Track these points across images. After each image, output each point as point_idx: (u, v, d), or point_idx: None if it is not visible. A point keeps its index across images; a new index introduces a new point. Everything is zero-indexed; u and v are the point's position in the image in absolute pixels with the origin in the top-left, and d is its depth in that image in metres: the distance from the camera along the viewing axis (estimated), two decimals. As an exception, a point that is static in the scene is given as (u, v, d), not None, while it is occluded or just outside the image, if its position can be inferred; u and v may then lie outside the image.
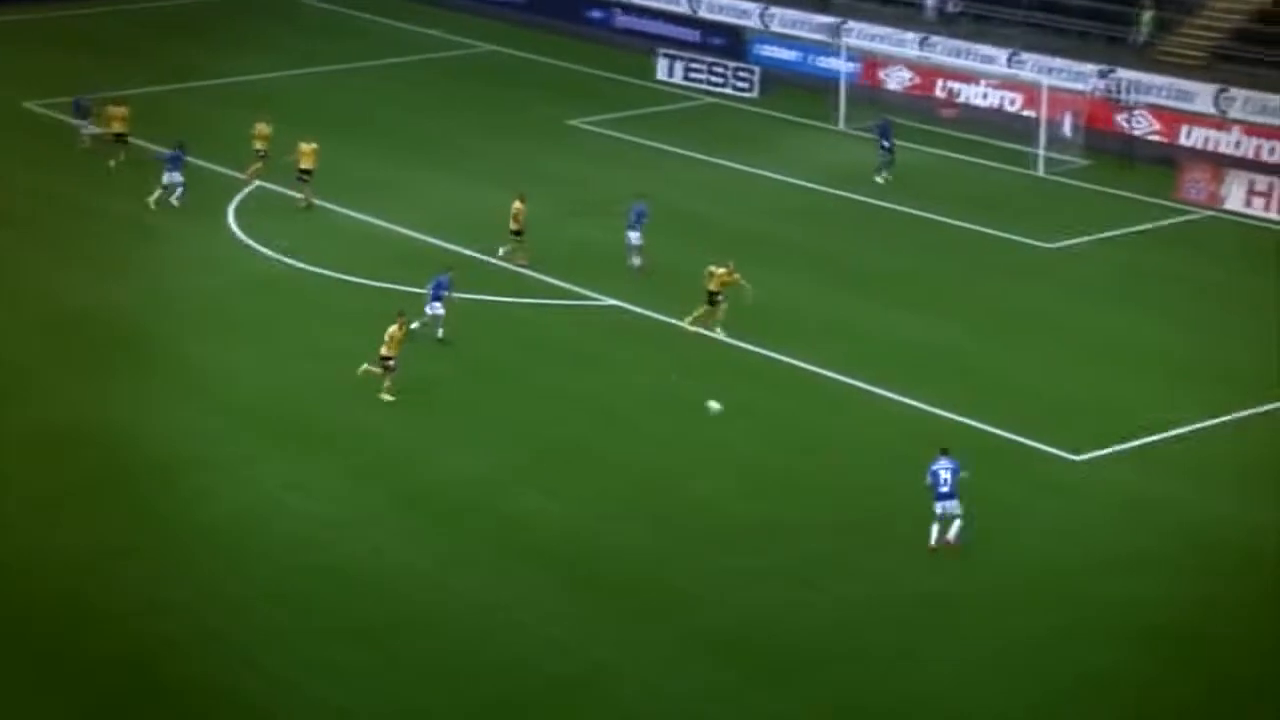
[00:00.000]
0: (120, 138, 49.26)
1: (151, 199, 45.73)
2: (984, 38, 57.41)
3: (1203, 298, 41.22)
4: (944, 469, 29.42)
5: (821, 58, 59.40)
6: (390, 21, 68.14)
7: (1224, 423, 34.14)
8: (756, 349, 37.72)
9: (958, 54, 56.97)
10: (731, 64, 59.35)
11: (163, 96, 56.57)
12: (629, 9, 66.00)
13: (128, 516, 30.77)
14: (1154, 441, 33.32)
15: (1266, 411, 34.42)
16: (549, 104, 56.81)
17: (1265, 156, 49.72)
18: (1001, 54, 56.23)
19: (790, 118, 55.62)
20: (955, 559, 29.33)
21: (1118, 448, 33.04)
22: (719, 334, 37.83)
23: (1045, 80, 52.04)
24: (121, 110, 49.47)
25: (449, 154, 51.41)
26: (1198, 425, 33.91)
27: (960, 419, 34.30)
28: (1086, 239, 45.07)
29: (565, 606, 28.12)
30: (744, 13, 63.60)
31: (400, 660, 26.64)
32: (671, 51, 60.91)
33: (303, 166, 45.69)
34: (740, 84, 58.46)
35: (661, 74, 60.27)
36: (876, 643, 27.13)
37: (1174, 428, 33.79)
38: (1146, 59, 54.61)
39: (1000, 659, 26.72)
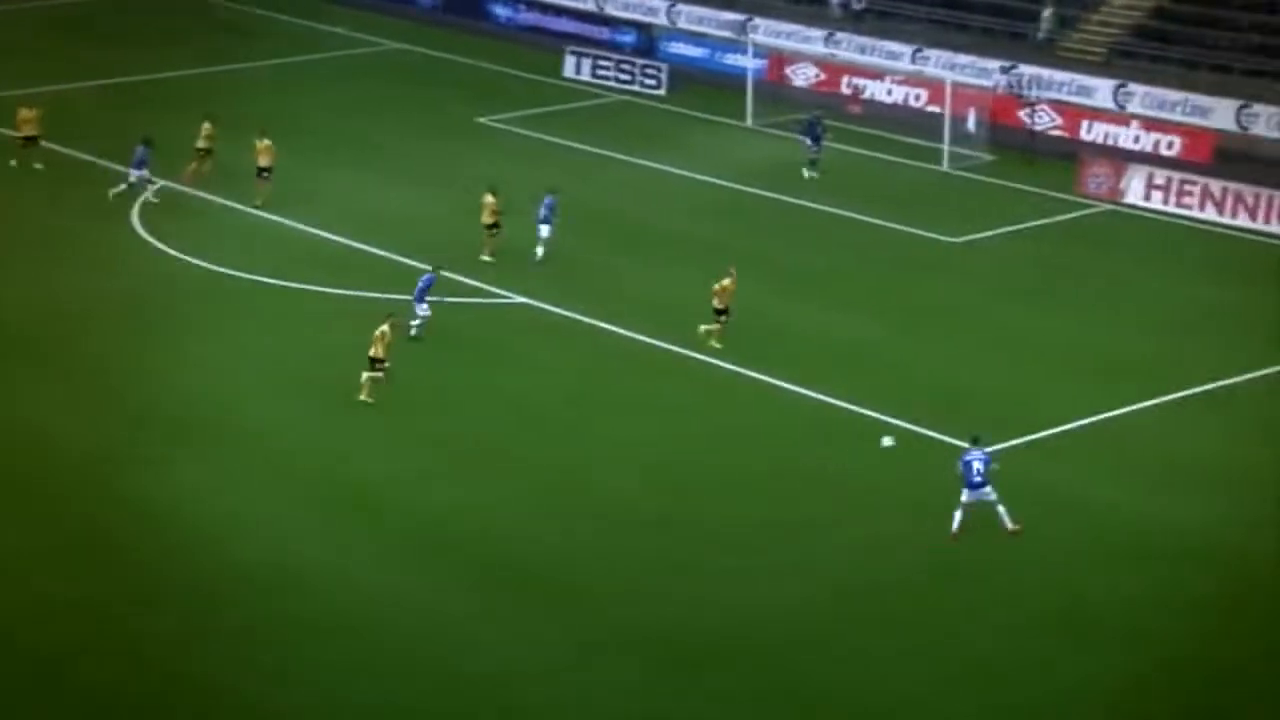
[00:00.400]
0: (30, 140, 48.51)
1: (112, 191, 45.55)
2: (889, 34, 57.84)
3: (1104, 290, 41.69)
4: (976, 459, 29.76)
5: (729, 55, 59.57)
6: (296, 20, 67.66)
7: (1121, 414, 34.53)
8: (667, 345, 37.78)
9: (863, 51, 57.35)
10: (640, 61, 59.41)
11: (70, 95, 55.87)
12: (536, 7, 65.89)
13: (38, 518, 30.39)
14: (1055, 434, 33.66)
15: (1161, 404, 34.84)
16: (458, 102, 56.60)
17: (1163, 151, 50.40)
18: (906, 51, 56.65)
19: (699, 114, 55.73)
20: (867, 552, 29.57)
21: (1020, 440, 33.34)
22: (715, 344, 37.04)
23: (950, 76, 52.46)
24: (32, 113, 48.66)
25: (358, 152, 51.12)
26: (1097, 417, 34.27)
27: (867, 412, 34.52)
28: (991, 233, 45.46)
29: (479, 604, 28.06)
30: (652, 10, 63.70)
31: (315, 660, 26.49)
32: (579, 49, 60.88)
33: (261, 164, 45.53)
34: (648, 81, 58.51)
35: (569, 72, 60.21)
36: (786, 635, 27.25)
37: (1075, 420, 34.13)
38: (1048, 55, 55.20)
39: (912, 648, 26.90)
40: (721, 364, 36.78)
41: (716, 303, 37.33)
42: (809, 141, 49.64)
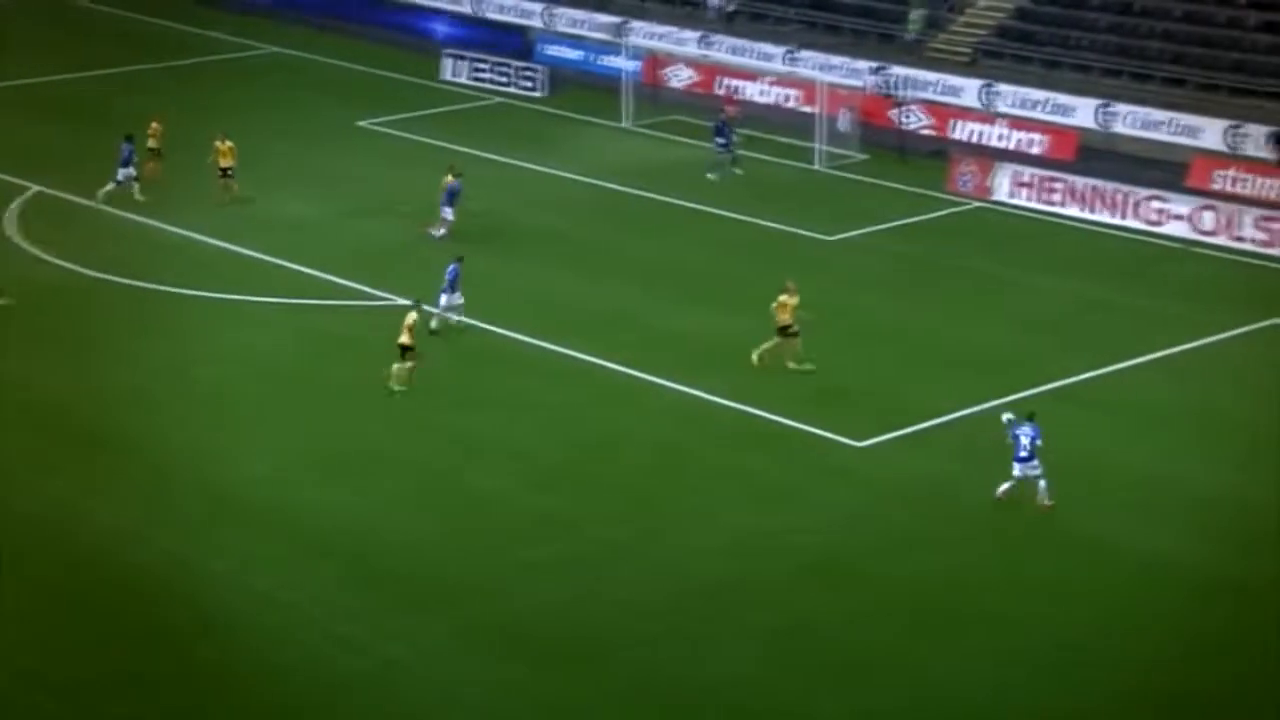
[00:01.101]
0: None
1: (101, 192, 45.39)
2: (762, 36, 58.15)
3: (973, 286, 42.19)
4: (1024, 434, 30.42)
5: (605, 57, 59.67)
6: (169, 24, 66.85)
7: (992, 407, 34.93)
8: (540, 343, 37.76)
9: (737, 52, 57.62)
10: (516, 64, 59.32)
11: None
12: (413, 10, 65.60)
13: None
14: (928, 427, 34.03)
15: (1030, 396, 35.27)
16: (336, 105, 56.24)
17: (1029, 149, 51.13)
18: (779, 51, 56.98)
19: (576, 116, 55.76)
20: (743, 547, 29.74)
21: (896, 433, 33.68)
22: (793, 365, 35.91)
23: (822, 77, 52.87)
24: None
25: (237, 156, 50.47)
26: (969, 410, 34.68)
27: (743, 407, 34.70)
28: (863, 231, 45.87)
29: (356, 603, 27.91)
30: (528, 13, 63.64)
31: (196, 666, 26.21)
32: (457, 52, 60.68)
33: (223, 165, 45.78)
34: (526, 83, 58.45)
35: (447, 74, 60.01)
36: (663, 631, 27.32)
37: (947, 413, 34.53)
38: (917, 56, 55.82)
39: (786, 641, 27.07)
40: (597, 360, 36.80)
41: (780, 319, 35.87)
42: (720, 142, 49.71)
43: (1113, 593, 28.46)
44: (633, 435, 33.90)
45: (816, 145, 50.95)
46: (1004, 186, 48.01)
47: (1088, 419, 34.45)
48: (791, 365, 36.06)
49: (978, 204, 48.00)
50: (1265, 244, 44.22)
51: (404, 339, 35.05)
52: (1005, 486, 30.74)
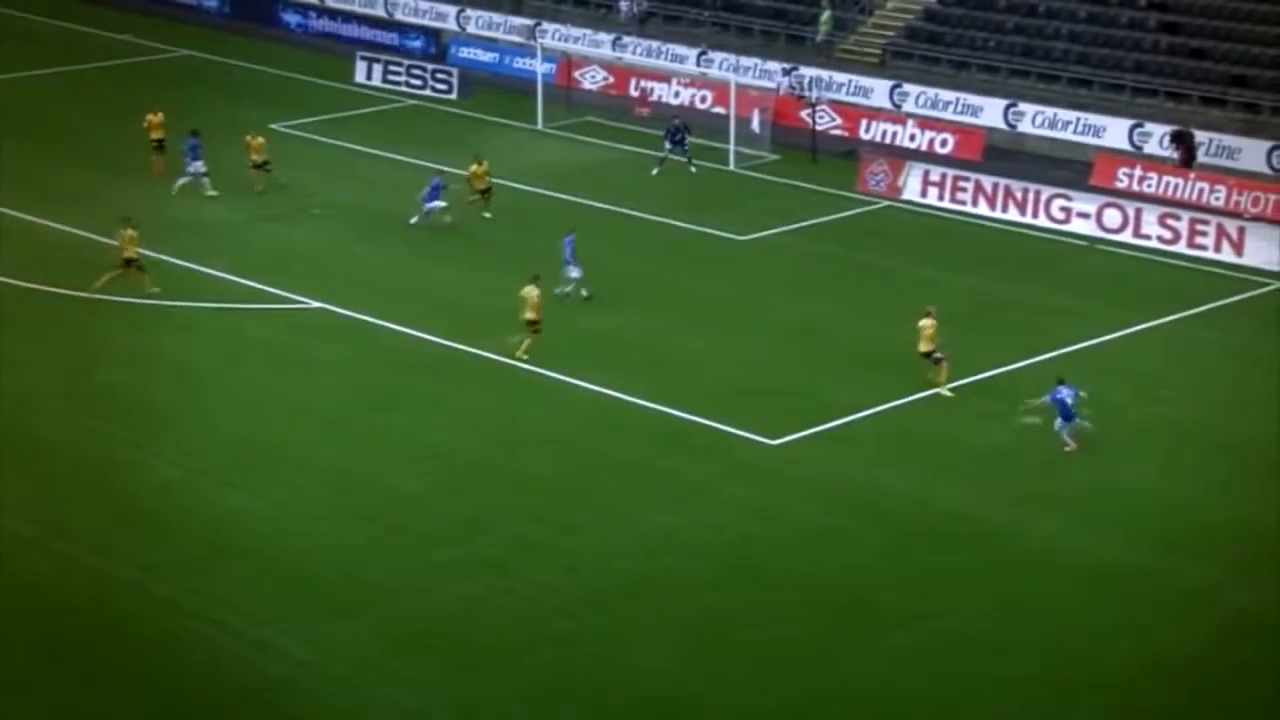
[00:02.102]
0: None
1: (176, 185, 45.87)
2: (675, 38, 58.10)
3: (883, 285, 42.26)
4: (1067, 395, 32.72)
5: (519, 59, 59.41)
6: (75, 26, 65.92)
7: (902, 404, 34.99)
8: (453, 344, 37.45)
9: (650, 54, 57.53)
10: (430, 66, 58.93)
11: None
12: (325, 13, 65.08)
13: None
14: (842, 424, 34.00)
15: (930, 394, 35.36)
16: (247, 108, 55.54)
17: (938, 148, 51.34)
18: (692, 53, 56.96)
19: (491, 118, 55.44)
20: (657, 544, 29.59)
21: (810, 431, 33.63)
22: (945, 393, 35.10)
23: (734, 78, 52.84)
24: None
25: (143, 159, 49.65)
26: (882, 407, 34.69)
27: (658, 407, 34.56)
28: (776, 230, 45.85)
29: (268, 607, 27.51)
30: (441, 15, 63.30)
31: (96, 674, 25.73)
32: (370, 54, 60.21)
33: (255, 160, 46.84)
34: (439, 86, 58.06)
35: (360, 77, 59.53)
36: (578, 628, 27.13)
37: (858, 410, 34.51)
38: (827, 57, 55.93)
39: (699, 636, 26.94)
40: (508, 361, 36.53)
41: (923, 347, 35.19)
42: (669, 145, 49.71)
43: (1012, 582, 28.55)
44: (546, 434, 33.64)
45: (730, 146, 50.91)
46: (914, 185, 48.14)
47: (993, 412, 34.52)
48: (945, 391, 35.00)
49: (888, 203, 48.11)
50: (1168, 241, 44.58)
51: (529, 314, 35.89)
52: (1067, 439, 32.70)
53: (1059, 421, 32.75)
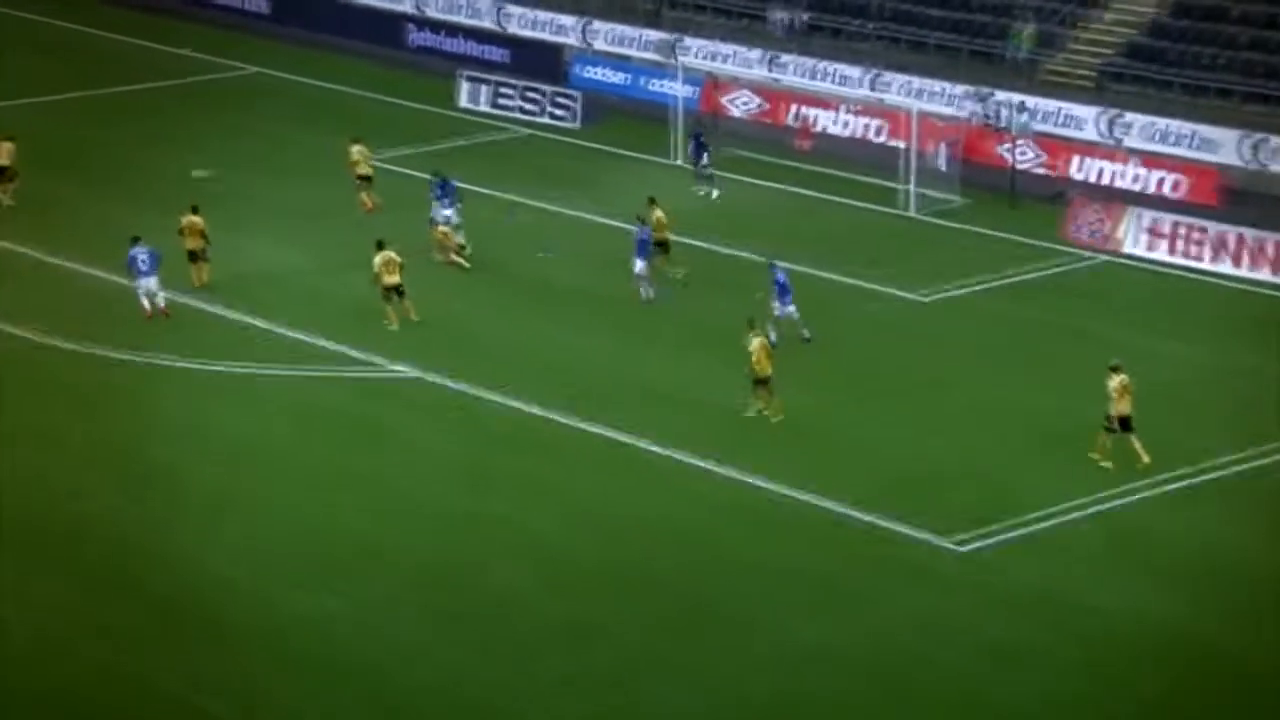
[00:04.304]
0: None
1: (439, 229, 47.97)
2: (836, 54, 58.25)
3: (1092, 356, 42.25)
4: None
5: (654, 80, 60.30)
6: (123, 38, 68.22)
7: (1117, 502, 35.17)
8: (571, 421, 38.28)
9: (811, 74, 58.07)
10: (548, 88, 60.10)
11: None
12: (426, 25, 66.48)
13: None
14: (1033, 523, 34.18)
15: (1167, 490, 35.52)
16: (332, 135, 56.36)
17: (1165, 191, 51.33)
18: (858, 73, 57.06)
19: (618, 150, 56.39)
20: (801, 659, 30.13)
21: (993, 530, 33.89)
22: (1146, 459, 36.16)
23: (916, 105, 53.20)
24: None
25: (228, 204, 50.53)
26: (1077, 501, 34.90)
27: (810, 498, 35.05)
28: (964, 289, 46.06)
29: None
30: (562, 28, 64.33)
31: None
32: (476, 74, 61.52)
33: (360, 173, 51.12)
34: (559, 112, 59.24)
35: (465, 100, 60.89)
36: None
37: (1053, 504, 34.74)
38: (1029, 80, 55.84)
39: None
40: (634, 443, 37.23)
41: (1115, 409, 36.18)
42: (693, 155, 51.21)
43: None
44: (672, 526, 34.32)
45: (910, 187, 51.37)
46: (1135, 236, 48.25)
47: (1226, 514, 34.65)
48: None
49: (1104, 257, 48.17)
50: None
51: (763, 370, 37.87)
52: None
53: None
